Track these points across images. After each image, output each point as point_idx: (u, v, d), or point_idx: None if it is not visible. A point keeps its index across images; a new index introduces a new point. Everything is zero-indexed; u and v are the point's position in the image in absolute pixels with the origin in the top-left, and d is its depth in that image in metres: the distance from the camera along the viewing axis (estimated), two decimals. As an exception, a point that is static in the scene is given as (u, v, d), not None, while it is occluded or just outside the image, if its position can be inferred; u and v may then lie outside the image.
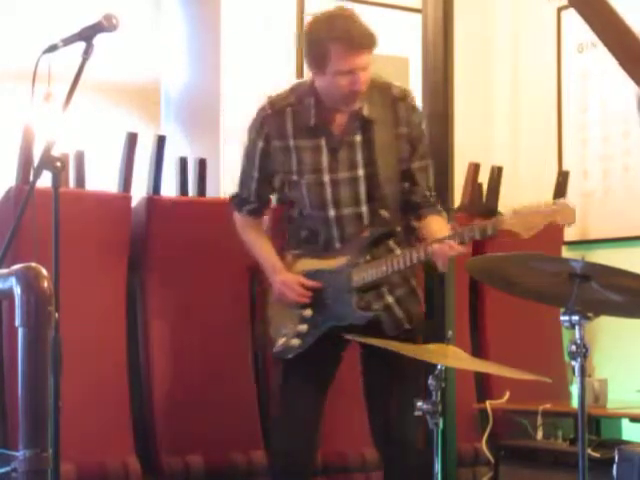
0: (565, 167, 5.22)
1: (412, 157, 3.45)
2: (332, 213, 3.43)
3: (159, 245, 4.17)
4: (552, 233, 5.00)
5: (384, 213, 3.43)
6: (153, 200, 4.19)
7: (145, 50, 5.01)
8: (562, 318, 2.65)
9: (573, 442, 3.85)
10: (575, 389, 3.83)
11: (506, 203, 5.00)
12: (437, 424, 2.94)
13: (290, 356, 3.45)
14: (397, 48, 5.13)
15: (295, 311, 3.47)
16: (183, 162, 4.42)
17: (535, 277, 2.73)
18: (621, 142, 5.03)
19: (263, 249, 3.59)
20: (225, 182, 4.71)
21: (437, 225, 3.41)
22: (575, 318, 2.63)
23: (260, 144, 3.49)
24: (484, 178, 5.00)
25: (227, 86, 4.86)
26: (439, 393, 2.95)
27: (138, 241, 4.16)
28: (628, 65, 3.01)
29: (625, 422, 4.52)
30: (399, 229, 3.46)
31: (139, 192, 4.24)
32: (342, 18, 3.29)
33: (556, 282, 2.66)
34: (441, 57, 4.15)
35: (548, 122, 5.35)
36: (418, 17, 5.17)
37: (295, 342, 3.44)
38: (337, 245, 3.45)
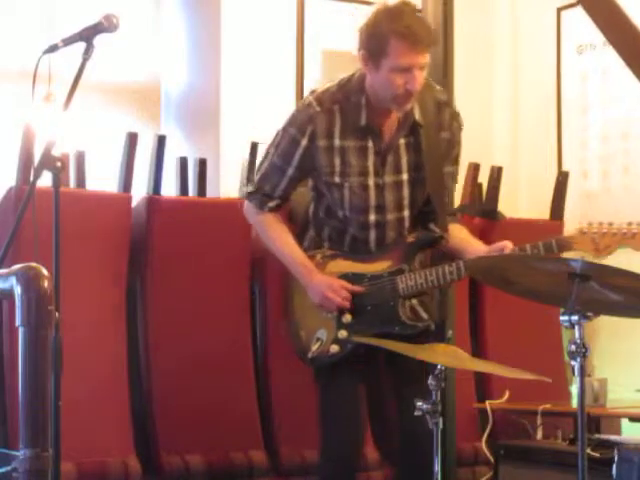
0: (565, 167, 5.23)
1: (444, 162, 3.37)
2: (373, 218, 3.32)
3: (159, 245, 4.17)
4: (552, 233, 5.03)
5: (431, 224, 3.35)
6: (153, 200, 4.19)
7: (145, 50, 5.01)
8: (562, 318, 2.65)
9: (572, 442, 3.85)
10: (575, 389, 3.83)
11: (506, 203, 5.02)
12: (437, 424, 2.94)
13: (325, 362, 3.33)
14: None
15: (329, 315, 3.33)
16: (183, 162, 4.42)
17: (535, 277, 2.73)
18: (621, 142, 5.03)
19: (291, 249, 3.39)
20: (225, 182, 4.72)
21: (467, 237, 3.35)
22: (575, 318, 2.63)
23: (303, 142, 3.32)
24: (484, 178, 5.00)
25: (227, 86, 4.86)
26: (439, 393, 2.94)
27: (138, 241, 4.16)
28: (633, 63, 3.01)
29: (625, 422, 4.52)
30: (445, 236, 3.33)
31: (139, 192, 4.24)
32: (406, 13, 3.17)
33: (556, 282, 2.66)
34: (441, 57, 4.15)
35: (548, 122, 5.36)
36: (418, 17, 5.19)
37: (335, 348, 3.30)
38: (372, 248, 3.35)
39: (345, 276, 3.33)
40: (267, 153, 3.43)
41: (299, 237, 3.45)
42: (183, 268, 4.20)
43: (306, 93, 4.91)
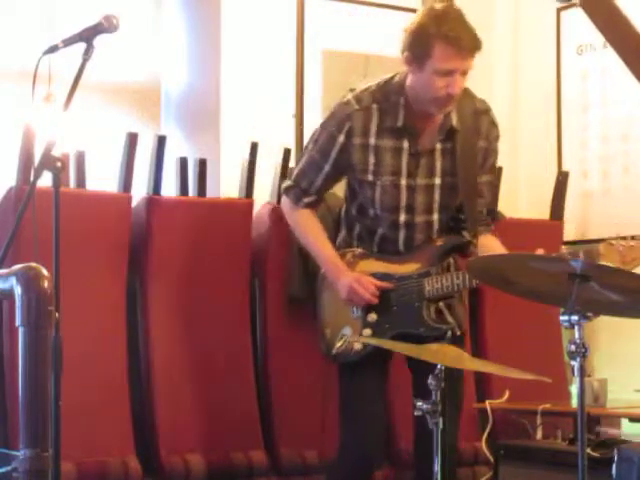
0: (565, 167, 5.22)
1: (480, 171, 3.40)
2: (403, 218, 3.36)
3: (159, 245, 4.17)
4: (551, 233, 5.03)
5: (464, 231, 3.37)
6: (153, 200, 4.19)
7: (145, 50, 5.01)
8: (562, 318, 2.65)
9: (572, 442, 3.85)
10: (575, 389, 3.83)
11: (506, 203, 5.01)
12: (437, 424, 2.94)
13: (349, 360, 3.38)
14: (397, 48, 5.13)
15: (354, 314, 3.40)
16: (183, 162, 4.42)
17: (535, 277, 2.73)
18: (621, 143, 5.03)
19: (323, 245, 3.46)
20: (225, 182, 4.72)
21: (493, 247, 3.36)
22: (575, 318, 2.63)
23: (340, 139, 3.37)
24: (484, 178, 4.99)
25: (227, 86, 4.86)
26: (439, 393, 2.95)
27: (138, 241, 4.16)
28: (633, 63, 3.01)
29: (625, 422, 4.52)
30: (474, 241, 3.37)
31: (139, 192, 4.24)
32: (453, 17, 3.21)
33: (556, 282, 2.66)
34: (441, 57, 4.14)
35: (548, 122, 5.35)
36: (418, 17, 5.18)
37: (357, 346, 3.37)
38: (401, 249, 3.39)
39: (374, 275, 3.38)
40: (306, 148, 3.50)
41: (331, 236, 3.51)
42: (183, 268, 4.20)
43: (306, 93, 4.93)
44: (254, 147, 4.43)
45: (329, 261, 3.43)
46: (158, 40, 5.06)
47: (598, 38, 4.97)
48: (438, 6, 3.27)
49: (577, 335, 2.63)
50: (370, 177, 3.36)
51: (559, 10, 5.30)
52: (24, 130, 3.87)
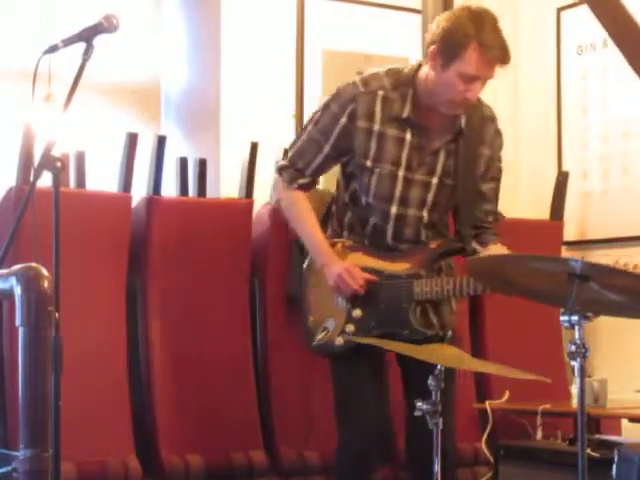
0: (565, 167, 5.22)
1: (481, 179, 3.39)
2: (394, 209, 3.31)
3: (159, 245, 4.17)
4: (551, 233, 5.03)
5: (461, 229, 3.35)
6: (153, 200, 4.19)
7: (145, 50, 5.01)
8: (562, 318, 2.65)
9: (572, 442, 3.85)
10: (575, 389, 3.83)
11: (506, 203, 5.01)
12: (437, 424, 2.94)
13: (331, 353, 3.34)
14: (397, 48, 5.14)
15: (340, 306, 3.35)
16: (183, 162, 4.42)
17: (535, 277, 2.73)
18: (620, 143, 5.03)
19: (315, 230, 3.38)
20: (225, 182, 4.72)
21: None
22: (575, 318, 2.63)
23: (343, 120, 3.30)
24: (484, 178, 4.99)
25: (227, 86, 4.86)
26: (439, 393, 2.94)
27: (138, 241, 4.16)
28: (634, 58, 3.02)
29: (625, 422, 4.52)
30: (469, 247, 3.34)
31: (139, 192, 4.24)
32: (489, 23, 3.15)
33: (556, 282, 2.66)
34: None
35: (548, 122, 5.36)
36: (418, 17, 5.19)
37: (340, 341, 3.32)
38: (389, 240, 3.34)
39: (363, 269, 3.32)
40: (305, 128, 3.42)
41: (322, 225, 3.44)
42: (183, 268, 4.20)
43: (306, 93, 4.94)
44: (254, 147, 4.43)
45: (319, 246, 3.36)
46: (158, 40, 5.07)
47: (598, 38, 4.98)
48: (475, 8, 3.22)
49: (577, 335, 2.63)
50: (369, 163, 3.30)
51: (559, 10, 5.31)
52: (24, 130, 3.87)
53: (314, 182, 3.44)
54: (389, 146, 3.29)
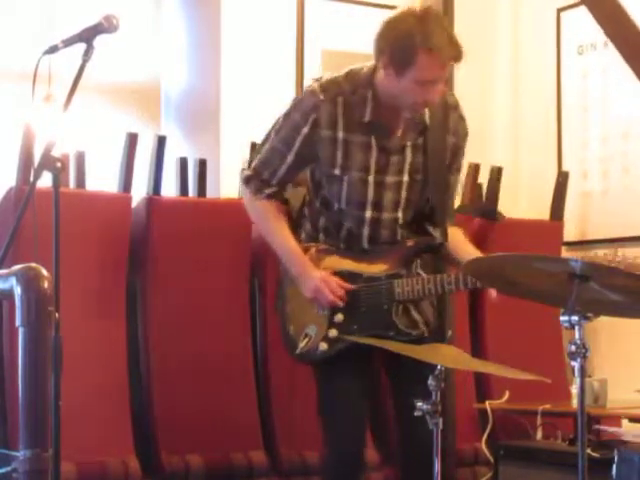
0: (565, 167, 5.22)
1: (449, 169, 3.34)
2: (369, 214, 3.26)
3: (159, 245, 4.17)
4: (551, 233, 5.03)
5: (430, 228, 3.30)
6: (153, 200, 4.20)
7: (145, 50, 5.01)
8: (562, 318, 2.65)
9: (572, 442, 3.85)
10: (575, 389, 3.83)
11: (506, 203, 5.02)
12: (437, 424, 2.94)
13: (314, 360, 3.29)
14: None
15: (320, 312, 3.28)
16: (183, 162, 4.42)
17: (535, 277, 2.72)
18: (620, 143, 5.03)
19: (287, 239, 3.31)
20: (225, 182, 4.72)
21: (462, 243, 3.30)
22: (575, 318, 2.62)
23: (305, 129, 3.23)
24: (484, 178, 5.00)
25: (227, 86, 4.87)
26: (439, 393, 2.94)
27: (138, 241, 4.16)
28: (632, 59, 3.02)
29: (625, 422, 4.52)
30: (445, 243, 3.26)
31: (139, 192, 4.24)
32: (435, 25, 3.09)
33: (556, 282, 2.66)
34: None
35: (548, 122, 5.36)
36: (418, 17, 5.18)
37: (323, 346, 3.25)
38: (365, 244, 3.29)
39: (340, 273, 3.27)
40: (267, 137, 3.35)
41: (295, 231, 3.37)
42: (183, 268, 4.20)
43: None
44: (254, 147, 4.42)
45: (293, 255, 3.29)
46: (158, 40, 5.07)
47: (598, 38, 4.98)
48: (418, 10, 3.15)
49: (577, 335, 2.63)
50: (337, 171, 3.24)
51: (559, 10, 5.31)
52: (24, 130, 3.87)
53: (282, 190, 3.36)
54: (356, 153, 3.23)
